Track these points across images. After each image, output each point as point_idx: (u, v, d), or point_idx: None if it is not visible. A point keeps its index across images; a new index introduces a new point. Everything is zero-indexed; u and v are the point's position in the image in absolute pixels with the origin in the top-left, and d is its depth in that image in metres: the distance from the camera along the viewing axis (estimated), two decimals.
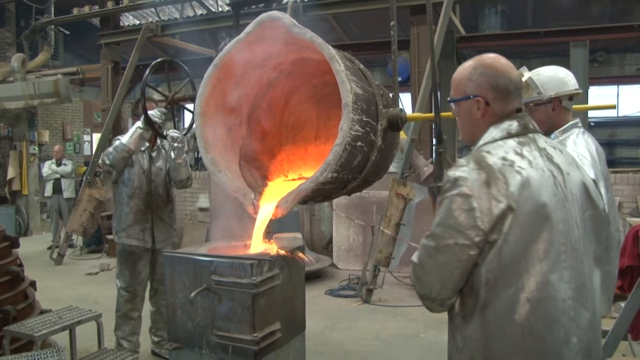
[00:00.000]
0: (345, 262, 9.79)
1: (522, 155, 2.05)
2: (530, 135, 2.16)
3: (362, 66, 3.66)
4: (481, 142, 2.17)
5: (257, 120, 3.91)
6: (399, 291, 8.22)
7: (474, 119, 2.21)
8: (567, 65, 3.88)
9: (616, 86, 19.42)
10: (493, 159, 2.03)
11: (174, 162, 5.17)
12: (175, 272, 3.54)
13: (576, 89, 3.60)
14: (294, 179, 3.89)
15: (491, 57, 2.23)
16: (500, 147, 2.09)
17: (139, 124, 4.89)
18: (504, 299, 1.96)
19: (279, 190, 3.57)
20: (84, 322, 4.73)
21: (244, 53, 3.49)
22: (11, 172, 14.12)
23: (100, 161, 4.99)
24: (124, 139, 4.95)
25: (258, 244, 3.65)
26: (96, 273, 9.71)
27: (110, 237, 10.03)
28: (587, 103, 9.74)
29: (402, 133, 9.27)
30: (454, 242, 1.97)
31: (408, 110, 9.91)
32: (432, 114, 7.73)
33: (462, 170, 2.03)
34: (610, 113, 19.15)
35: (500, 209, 1.94)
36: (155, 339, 5.59)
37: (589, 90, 13.00)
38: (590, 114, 14.00)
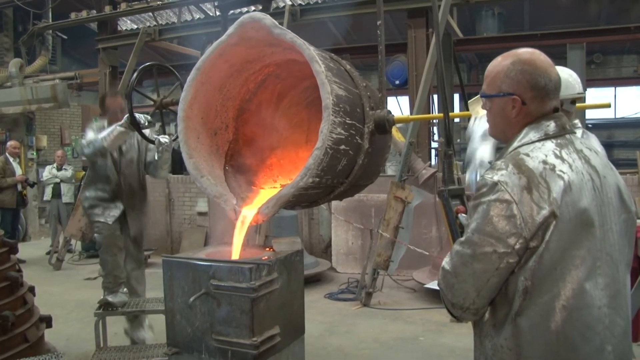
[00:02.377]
0: (344, 265, 9.79)
1: (562, 159, 1.97)
2: (568, 136, 2.07)
3: (348, 67, 3.61)
4: (516, 143, 2.07)
5: (245, 124, 3.87)
6: (398, 294, 8.21)
7: (508, 117, 2.11)
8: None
9: (613, 88, 19.45)
10: (533, 163, 1.95)
11: (157, 164, 5.33)
12: (174, 277, 3.53)
13: (579, 93, 3.61)
14: (282, 185, 3.86)
15: (529, 53, 2.10)
16: (538, 149, 2.00)
17: (119, 123, 4.96)
18: (539, 306, 1.91)
19: (263, 196, 3.55)
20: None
21: (227, 56, 3.45)
22: None
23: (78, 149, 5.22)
24: (101, 134, 5.01)
25: (238, 250, 3.61)
26: (95, 278, 9.65)
27: None
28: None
29: (400, 136, 9.31)
30: (493, 250, 1.90)
31: (406, 114, 9.91)
32: (421, 116, 7.76)
33: (501, 174, 1.94)
34: (608, 115, 19.18)
35: (543, 216, 1.86)
36: (129, 316, 5.52)
37: (587, 92, 13.00)
38: (588, 115, 14.02)
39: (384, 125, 3.44)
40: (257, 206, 3.29)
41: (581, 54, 10.28)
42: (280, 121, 4.07)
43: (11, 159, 11.38)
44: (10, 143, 11.87)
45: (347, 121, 3.11)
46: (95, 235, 5.41)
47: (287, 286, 3.64)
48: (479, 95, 3.33)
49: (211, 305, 3.38)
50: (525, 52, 2.10)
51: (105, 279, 5.31)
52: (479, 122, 3.88)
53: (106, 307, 5.17)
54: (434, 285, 7.52)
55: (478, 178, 3.69)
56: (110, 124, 5.18)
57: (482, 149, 3.90)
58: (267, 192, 3.70)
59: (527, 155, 1.98)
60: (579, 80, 3.64)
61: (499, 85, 2.10)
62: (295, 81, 3.88)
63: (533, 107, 2.07)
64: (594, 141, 3.49)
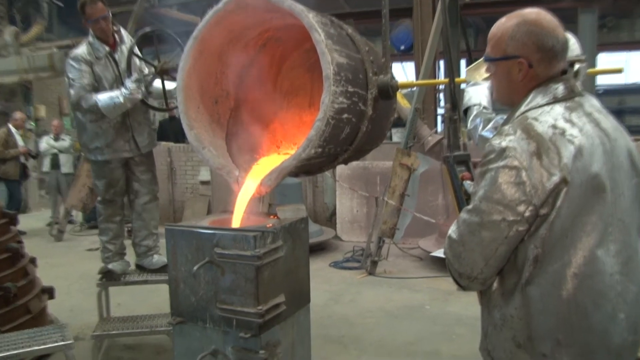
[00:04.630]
0: (349, 233, 9.83)
1: (572, 122, 1.93)
2: (577, 99, 2.03)
3: (350, 31, 3.56)
4: (524, 107, 2.03)
5: (247, 90, 3.84)
6: (403, 263, 8.25)
7: (514, 81, 2.07)
8: (575, 31, 3.86)
9: (626, 52, 19.29)
10: (542, 127, 1.91)
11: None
12: (177, 246, 3.53)
13: (577, 55, 3.57)
14: (285, 153, 3.84)
15: (535, 13, 2.04)
16: (547, 113, 1.96)
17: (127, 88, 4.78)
18: (549, 274, 1.89)
19: (265, 166, 3.54)
20: None
21: (224, 23, 3.39)
22: None
23: (85, 104, 4.69)
24: (121, 96, 4.77)
25: (239, 222, 3.60)
26: (97, 249, 9.64)
27: None
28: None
29: (405, 102, 9.28)
30: (501, 218, 1.88)
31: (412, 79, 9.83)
32: (425, 81, 7.72)
33: (509, 139, 1.91)
34: (619, 80, 19.04)
35: (554, 182, 1.84)
36: (140, 250, 5.41)
37: (598, 56, 12.86)
38: (598, 81, 13.92)
39: (388, 91, 3.41)
40: (260, 177, 3.28)
41: (592, 18, 10.18)
42: (282, 85, 4.05)
43: (14, 130, 11.39)
44: (17, 115, 11.88)
45: (349, 89, 3.09)
46: (99, 201, 5.26)
47: (292, 254, 3.64)
48: (477, 63, 3.30)
49: (215, 274, 3.38)
50: (531, 12, 2.05)
51: (105, 251, 5.27)
52: (476, 87, 3.83)
53: (107, 277, 5.16)
54: (440, 253, 7.54)
55: (481, 123, 3.65)
56: (94, 32, 4.97)
57: (475, 95, 3.84)
58: (270, 161, 3.69)
59: (536, 119, 1.95)
60: (578, 43, 3.61)
61: (503, 48, 2.06)
62: (296, 43, 3.83)
63: (540, 69, 2.03)
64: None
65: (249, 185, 3.36)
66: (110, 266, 5.17)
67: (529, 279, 1.93)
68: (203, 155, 3.42)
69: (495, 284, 2.05)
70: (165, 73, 4.99)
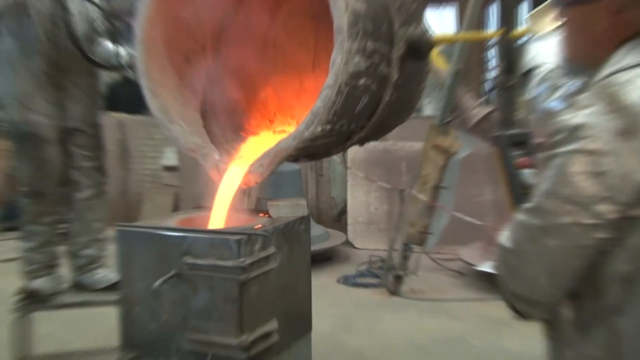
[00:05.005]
0: (364, 238, 9.86)
1: None
2: None
3: None
4: (608, 69, 1.95)
5: (230, 44, 3.85)
6: (438, 279, 8.26)
7: (594, 31, 2.03)
8: None
9: None
10: (634, 97, 1.82)
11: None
12: (133, 254, 3.54)
13: None
14: (280, 130, 3.83)
15: None
16: None
17: None
18: None
19: (255, 147, 3.54)
20: None
21: None
22: None
23: None
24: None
25: (222, 223, 3.62)
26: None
27: None
28: None
29: (442, 62, 9.26)
30: (573, 221, 1.82)
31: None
32: (471, 35, 7.69)
33: (586, 113, 1.84)
34: None
35: None
36: (79, 262, 5.43)
37: None
38: None
39: (419, 47, 3.38)
40: (248, 162, 3.28)
41: None
42: (277, 38, 4.03)
43: None
44: None
45: (369, 45, 3.06)
46: (22, 189, 5.22)
47: (289, 265, 3.65)
48: (542, 7, 3.27)
49: (184, 292, 3.38)
50: None
51: (29, 262, 5.24)
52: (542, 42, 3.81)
53: (31, 298, 5.05)
54: (488, 267, 7.54)
55: (547, 91, 3.63)
56: None
57: (540, 53, 3.80)
58: (261, 141, 3.69)
59: (625, 85, 1.87)
60: None
61: None
62: None
63: (633, 15, 1.97)
64: None
65: (234, 173, 3.36)
66: (35, 283, 5.14)
67: (617, 306, 1.88)
68: (170, 132, 3.41)
69: (566, 312, 2.02)
70: (116, 17, 4.94)
